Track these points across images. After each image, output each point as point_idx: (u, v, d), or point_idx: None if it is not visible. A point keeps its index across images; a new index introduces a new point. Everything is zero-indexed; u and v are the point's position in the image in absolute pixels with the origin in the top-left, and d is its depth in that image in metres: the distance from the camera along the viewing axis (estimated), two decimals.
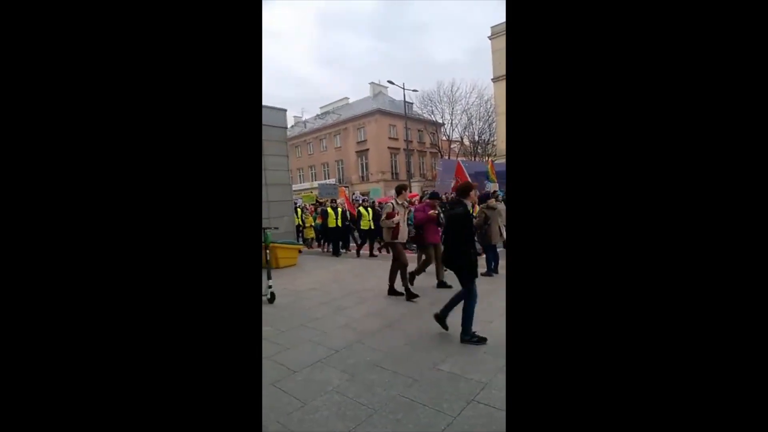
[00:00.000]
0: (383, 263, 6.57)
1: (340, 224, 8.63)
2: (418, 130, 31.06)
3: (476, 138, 29.42)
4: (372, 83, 32.31)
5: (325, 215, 8.74)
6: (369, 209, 8.29)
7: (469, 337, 3.06)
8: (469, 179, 9.39)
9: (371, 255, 8.24)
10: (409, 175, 26.62)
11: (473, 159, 27.48)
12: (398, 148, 29.10)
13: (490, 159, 16.80)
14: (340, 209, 8.75)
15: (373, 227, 8.00)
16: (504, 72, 21.97)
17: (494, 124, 26.07)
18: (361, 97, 33.86)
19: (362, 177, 30.07)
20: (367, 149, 29.58)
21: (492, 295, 4.33)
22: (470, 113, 28.89)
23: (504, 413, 1.96)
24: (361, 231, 8.47)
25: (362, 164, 30.33)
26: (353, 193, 18.83)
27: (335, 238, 8.72)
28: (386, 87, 30.10)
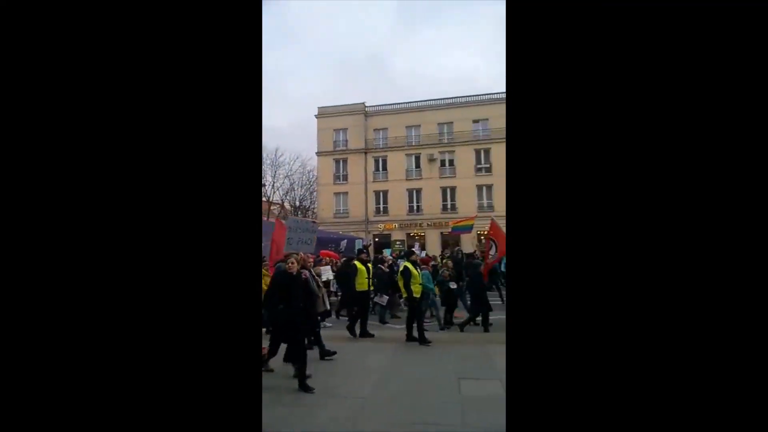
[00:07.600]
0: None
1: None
2: None
3: (297, 203, 29.94)
4: None
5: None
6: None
7: None
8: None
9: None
10: None
11: None
12: None
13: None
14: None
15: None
16: (327, 149, 24.00)
17: (315, 193, 27.29)
18: None
19: None
20: None
21: None
22: (293, 179, 29.56)
23: None
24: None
25: None
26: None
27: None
28: None
